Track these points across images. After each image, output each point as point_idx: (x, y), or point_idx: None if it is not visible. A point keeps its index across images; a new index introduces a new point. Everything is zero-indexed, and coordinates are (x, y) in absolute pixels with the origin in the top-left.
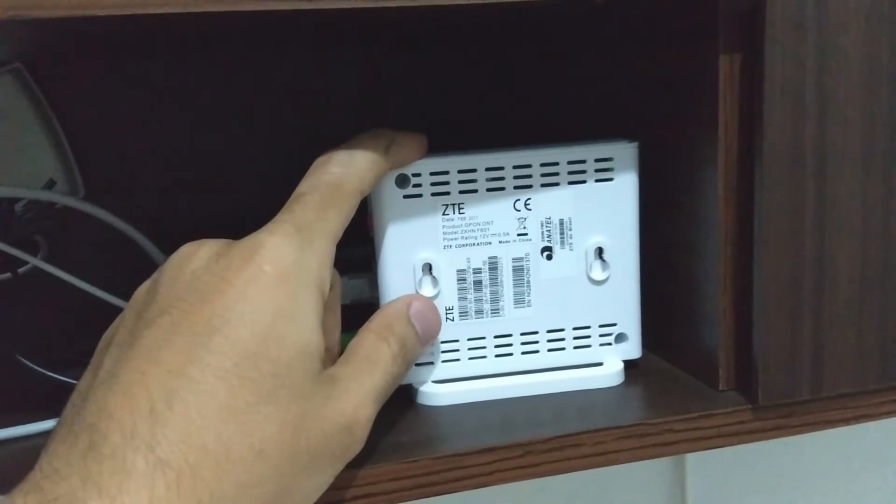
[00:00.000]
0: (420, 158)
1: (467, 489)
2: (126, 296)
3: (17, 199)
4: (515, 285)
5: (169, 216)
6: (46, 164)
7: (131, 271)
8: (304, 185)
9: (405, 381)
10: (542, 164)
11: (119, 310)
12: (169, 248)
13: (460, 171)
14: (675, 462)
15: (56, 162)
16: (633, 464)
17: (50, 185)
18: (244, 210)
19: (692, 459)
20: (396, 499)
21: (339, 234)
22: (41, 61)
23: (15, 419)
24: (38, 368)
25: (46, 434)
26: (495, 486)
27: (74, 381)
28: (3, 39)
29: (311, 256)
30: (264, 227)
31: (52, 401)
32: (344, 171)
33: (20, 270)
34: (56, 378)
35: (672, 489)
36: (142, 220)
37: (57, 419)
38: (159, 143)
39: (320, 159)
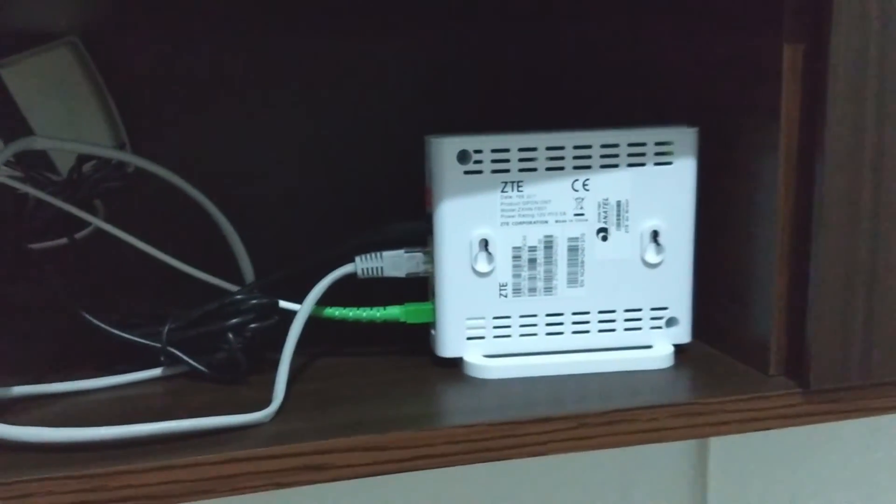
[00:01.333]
0: None
1: (520, 457)
2: (184, 257)
3: (87, 160)
4: (569, 265)
5: (224, 183)
6: (99, 134)
7: (191, 234)
8: None
9: (454, 354)
10: (602, 146)
11: (179, 272)
12: (228, 213)
13: (521, 150)
14: (699, 449)
15: (108, 131)
16: (655, 451)
17: (121, 147)
18: (296, 172)
19: (715, 447)
20: (450, 462)
21: None
22: (95, 34)
23: (80, 373)
24: (102, 325)
25: (109, 389)
26: (521, 468)
27: (137, 339)
28: (62, 10)
29: None
30: None
31: (116, 357)
32: None
33: (81, 234)
34: (119, 335)
35: (694, 477)
36: (194, 186)
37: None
38: (213, 114)
39: None
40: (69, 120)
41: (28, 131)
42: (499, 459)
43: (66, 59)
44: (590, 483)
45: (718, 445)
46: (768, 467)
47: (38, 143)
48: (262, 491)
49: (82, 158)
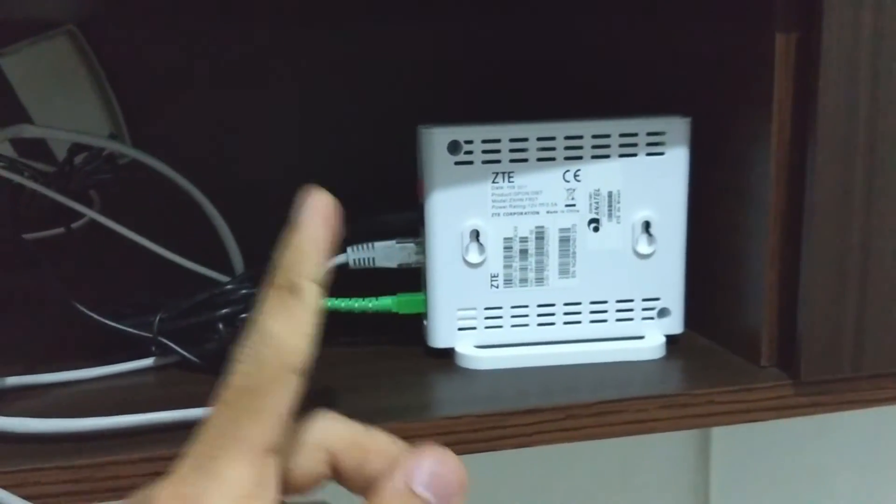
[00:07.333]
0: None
1: (508, 448)
2: (177, 249)
3: (78, 152)
4: (561, 255)
5: (218, 174)
6: (97, 123)
7: (183, 225)
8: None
9: (446, 345)
10: (594, 136)
11: (171, 263)
12: (219, 204)
13: (512, 140)
14: (701, 437)
15: (107, 121)
16: (658, 442)
17: (111, 137)
18: (287, 162)
19: (717, 439)
20: None
21: (272, 438)
22: (94, 23)
23: (72, 363)
24: (94, 315)
25: (101, 379)
26: (525, 453)
27: (129, 329)
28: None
29: (217, 494)
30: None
31: (108, 347)
32: (251, 365)
33: (75, 225)
34: (111, 325)
35: (697, 464)
36: (189, 177)
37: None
38: (209, 104)
39: (238, 352)
40: (68, 109)
41: (27, 120)
42: (486, 451)
43: (65, 48)
44: (592, 471)
45: (721, 433)
46: (771, 455)
47: (27, 132)
48: None
49: (74, 149)
